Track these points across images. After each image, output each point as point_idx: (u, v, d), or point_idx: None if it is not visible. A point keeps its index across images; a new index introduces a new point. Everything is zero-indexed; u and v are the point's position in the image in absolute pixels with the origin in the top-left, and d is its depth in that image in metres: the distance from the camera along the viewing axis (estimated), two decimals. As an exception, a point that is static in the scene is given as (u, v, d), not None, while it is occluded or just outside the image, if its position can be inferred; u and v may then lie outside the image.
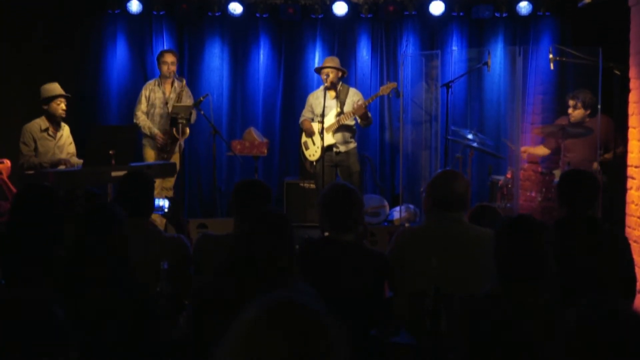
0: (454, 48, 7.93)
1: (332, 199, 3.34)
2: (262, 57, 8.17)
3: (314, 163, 6.97)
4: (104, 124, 7.72)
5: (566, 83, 7.46)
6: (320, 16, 7.90)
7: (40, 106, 6.14)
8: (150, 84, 7.14)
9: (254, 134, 7.41)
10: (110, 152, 5.54)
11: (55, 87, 6.14)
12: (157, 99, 7.05)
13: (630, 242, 4.05)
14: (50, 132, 6.12)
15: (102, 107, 7.96)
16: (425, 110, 7.66)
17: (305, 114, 7.10)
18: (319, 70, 7.02)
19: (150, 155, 7.02)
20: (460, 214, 3.43)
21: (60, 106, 6.12)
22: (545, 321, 2.39)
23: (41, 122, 6.10)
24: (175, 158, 7.08)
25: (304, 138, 7.10)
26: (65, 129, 6.27)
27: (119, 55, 8.00)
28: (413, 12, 7.86)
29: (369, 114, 6.89)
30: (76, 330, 1.65)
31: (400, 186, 7.56)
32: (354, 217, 3.34)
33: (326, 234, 3.39)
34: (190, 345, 2.63)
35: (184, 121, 6.83)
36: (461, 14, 7.84)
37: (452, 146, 6.97)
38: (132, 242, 2.82)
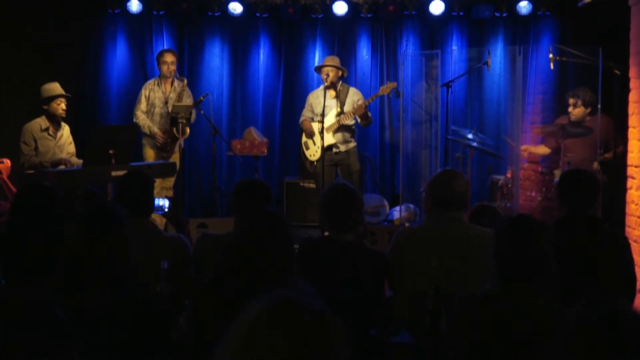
0: (454, 48, 7.93)
1: (332, 198, 3.35)
2: (262, 56, 8.17)
3: (315, 163, 6.97)
4: (104, 124, 7.72)
5: (566, 83, 7.46)
6: (320, 16, 7.90)
7: (41, 106, 6.14)
8: (150, 84, 7.14)
9: (254, 134, 7.41)
10: (110, 151, 5.54)
11: (55, 87, 6.14)
12: (156, 99, 7.05)
13: (630, 241, 4.05)
14: (51, 132, 6.12)
15: (102, 107, 7.96)
16: (425, 109, 7.66)
17: (306, 113, 7.10)
18: (319, 69, 7.02)
19: (149, 154, 7.02)
20: (460, 214, 3.43)
21: (61, 106, 6.12)
22: (545, 321, 2.39)
23: (41, 122, 6.10)
24: (175, 158, 7.08)
25: (304, 138, 7.10)
26: (66, 129, 6.27)
27: (119, 55, 8.00)
28: (413, 12, 7.86)
29: (369, 114, 6.89)
30: (78, 331, 1.65)
31: (400, 186, 7.57)
32: (354, 217, 3.34)
33: (326, 233, 3.39)
34: (190, 345, 2.63)
35: (184, 121, 6.83)
36: (461, 13, 7.85)
37: (452, 146, 6.97)
38: (132, 241, 2.82)
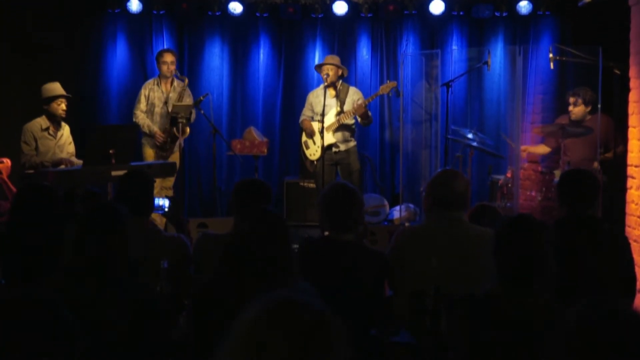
0: (454, 47, 7.93)
1: (332, 198, 3.34)
2: (262, 56, 8.17)
3: (314, 162, 6.97)
4: (104, 124, 7.72)
5: (566, 82, 7.45)
6: (320, 15, 7.90)
7: (41, 105, 6.14)
8: (150, 83, 7.14)
9: (254, 134, 7.41)
10: (111, 151, 5.54)
11: (56, 87, 6.13)
12: (156, 99, 7.06)
13: (630, 241, 4.05)
14: (51, 132, 6.12)
15: (102, 107, 7.96)
16: (425, 109, 7.66)
17: (306, 112, 7.10)
18: (319, 68, 7.02)
19: (149, 154, 7.02)
20: (460, 214, 3.43)
21: (61, 106, 6.12)
22: (545, 321, 2.39)
23: (42, 122, 6.10)
24: (175, 157, 7.08)
25: (304, 137, 7.10)
26: (66, 129, 6.27)
27: (119, 54, 8.00)
28: (413, 12, 7.86)
29: (369, 113, 6.89)
30: (79, 331, 1.65)
31: (400, 185, 7.57)
32: (354, 217, 3.34)
33: (326, 233, 3.39)
34: (190, 345, 2.63)
35: (184, 120, 6.83)
36: (461, 13, 7.85)
37: (452, 145, 6.97)
38: (132, 241, 2.82)
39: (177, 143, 7.04)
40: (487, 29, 7.99)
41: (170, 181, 7.01)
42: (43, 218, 3.25)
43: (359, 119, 6.92)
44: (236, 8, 7.74)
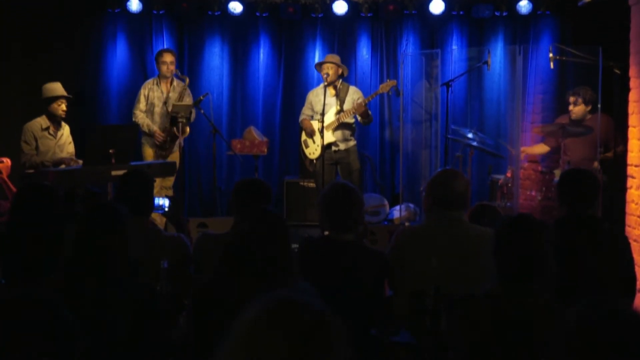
0: (454, 47, 7.93)
1: (332, 198, 3.35)
2: (262, 56, 8.17)
3: (314, 161, 6.97)
4: (104, 124, 7.72)
5: (566, 82, 7.45)
6: (320, 15, 7.90)
7: (41, 105, 6.14)
8: (149, 83, 7.14)
9: (254, 133, 7.41)
10: (110, 151, 5.54)
11: (57, 88, 6.13)
12: (156, 98, 7.06)
13: (630, 241, 4.05)
14: (51, 131, 6.12)
15: (102, 106, 7.96)
16: (425, 109, 7.66)
17: (305, 111, 7.10)
18: (319, 67, 7.02)
19: (148, 153, 7.02)
20: (460, 213, 3.43)
21: (61, 107, 6.12)
22: (545, 321, 2.39)
23: (42, 121, 6.10)
24: (175, 157, 7.08)
25: (303, 136, 7.10)
26: (66, 129, 6.27)
27: (119, 54, 7.99)
28: (413, 11, 7.86)
29: (370, 112, 6.89)
30: (79, 330, 1.65)
31: (400, 185, 7.57)
32: (354, 217, 3.34)
33: (326, 233, 3.39)
34: (190, 345, 2.63)
35: (184, 120, 6.83)
36: (461, 13, 7.84)
37: (452, 145, 6.97)
38: (132, 241, 2.82)
39: (177, 142, 7.04)
40: (487, 28, 7.99)
41: (170, 181, 7.01)
42: (43, 218, 3.25)
43: (359, 118, 6.92)
44: (236, 8, 7.74)
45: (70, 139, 6.29)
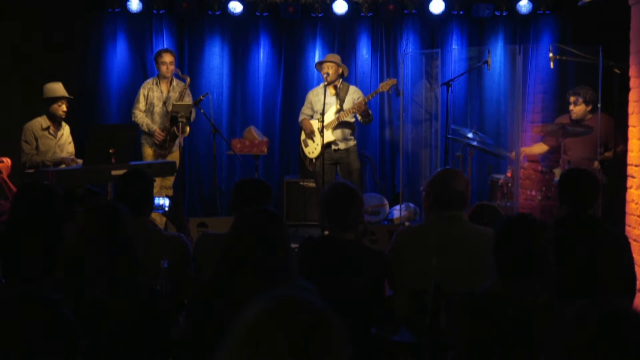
0: (454, 47, 7.93)
1: (332, 197, 3.35)
2: (262, 55, 8.17)
3: (314, 160, 6.97)
4: (103, 124, 7.72)
5: (566, 82, 7.46)
6: (320, 15, 7.90)
7: (42, 105, 6.14)
8: (149, 83, 7.14)
9: (254, 133, 7.41)
10: (110, 150, 5.54)
11: (58, 88, 6.12)
12: (155, 98, 7.06)
13: (630, 240, 4.05)
14: (51, 131, 6.13)
15: (102, 106, 7.96)
16: (425, 109, 7.66)
17: (305, 111, 7.10)
18: (319, 66, 7.02)
19: (148, 153, 7.02)
20: (460, 213, 3.44)
21: (62, 107, 6.12)
22: (544, 320, 2.39)
23: (42, 121, 6.10)
24: (175, 157, 7.08)
25: (303, 136, 7.10)
26: (66, 129, 6.27)
27: (119, 54, 7.99)
28: (413, 11, 7.86)
29: (370, 111, 6.89)
30: (81, 330, 1.65)
31: (401, 185, 7.57)
32: (354, 216, 3.34)
33: (326, 232, 3.40)
34: (190, 345, 2.63)
35: (184, 120, 6.83)
36: (461, 12, 7.84)
37: (452, 145, 6.97)
38: (132, 241, 2.82)
39: (177, 142, 7.04)
40: (487, 28, 7.99)
41: (170, 180, 7.01)
42: (43, 217, 3.25)
43: (359, 118, 6.92)
44: (236, 7, 7.74)
45: (70, 139, 6.29)
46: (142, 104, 7.06)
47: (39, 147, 6.05)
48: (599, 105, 6.20)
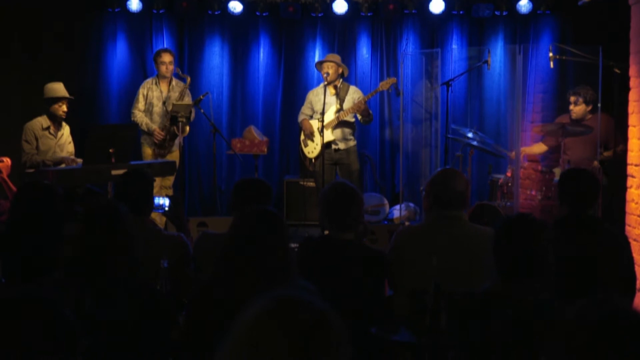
0: (454, 46, 7.93)
1: (332, 197, 3.35)
2: (262, 55, 8.17)
3: (313, 160, 6.97)
4: (103, 123, 7.72)
5: (566, 81, 7.46)
6: (320, 14, 7.90)
7: (42, 104, 6.14)
8: (148, 83, 7.14)
9: (254, 133, 7.41)
10: (110, 150, 5.54)
11: (58, 88, 6.12)
12: (154, 98, 7.06)
13: (630, 240, 4.05)
14: (52, 131, 6.13)
15: (102, 106, 7.96)
16: (425, 108, 7.66)
17: (305, 111, 7.10)
18: (319, 65, 7.01)
19: (147, 152, 7.02)
20: (460, 213, 3.44)
21: (62, 108, 6.12)
22: (544, 320, 2.39)
23: (42, 121, 6.10)
24: (175, 156, 7.08)
25: (302, 136, 7.10)
26: (66, 129, 6.27)
27: (119, 54, 7.99)
28: (413, 11, 7.86)
29: (370, 111, 6.90)
30: (81, 330, 1.65)
31: (401, 184, 7.57)
32: (354, 216, 3.34)
33: (326, 232, 3.39)
34: (190, 345, 2.63)
35: (184, 119, 6.83)
36: (461, 12, 7.85)
37: (452, 144, 6.97)
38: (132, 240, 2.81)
39: (177, 142, 7.04)
40: (487, 28, 7.99)
41: (170, 180, 7.01)
42: (43, 217, 3.25)
43: (359, 117, 6.92)
44: (236, 7, 7.74)
45: (70, 138, 6.29)
46: (141, 104, 7.05)
47: (39, 147, 6.05)
48: (599, 105, 6.20)
